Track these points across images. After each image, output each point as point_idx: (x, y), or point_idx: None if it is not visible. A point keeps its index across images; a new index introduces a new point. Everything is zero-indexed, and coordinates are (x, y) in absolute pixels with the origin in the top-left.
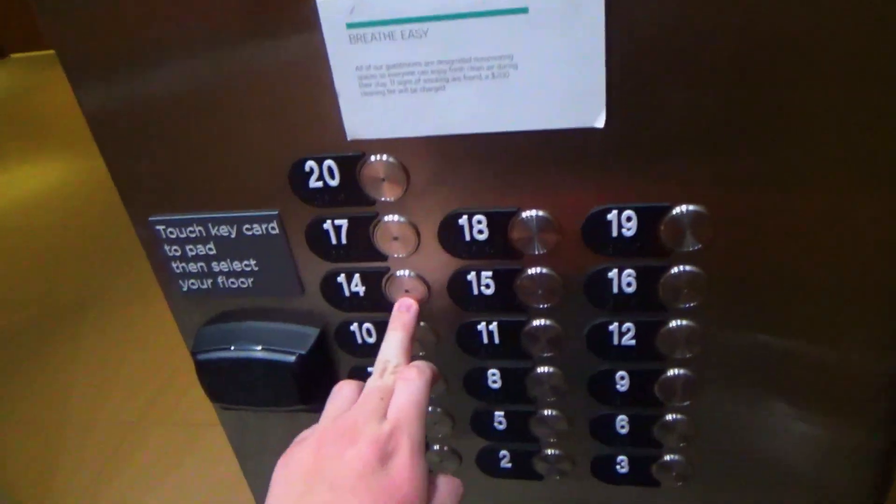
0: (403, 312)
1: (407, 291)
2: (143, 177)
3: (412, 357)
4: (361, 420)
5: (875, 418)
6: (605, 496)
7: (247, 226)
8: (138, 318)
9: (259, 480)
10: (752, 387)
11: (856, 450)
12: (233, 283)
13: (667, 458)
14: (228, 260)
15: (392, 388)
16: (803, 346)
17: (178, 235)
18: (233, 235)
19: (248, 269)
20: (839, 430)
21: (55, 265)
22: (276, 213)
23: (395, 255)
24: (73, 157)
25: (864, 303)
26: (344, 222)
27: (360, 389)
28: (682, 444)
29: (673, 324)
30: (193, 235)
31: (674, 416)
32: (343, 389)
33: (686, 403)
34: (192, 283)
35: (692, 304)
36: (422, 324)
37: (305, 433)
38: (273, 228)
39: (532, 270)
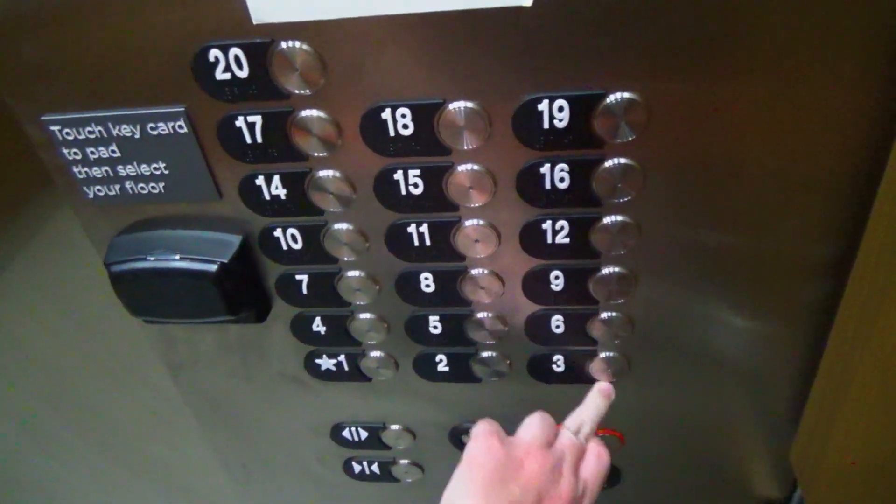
0: (605, 398)
1: (333, 195)
2: (31, 69)
3: None
4: (567, 464)
5: (805, 307)
6: (543, 395)
7: (151, 124)
8: None
9: (195, 395)
10: (687, 282)
11: (786, 339)
12: (143, 188)
13: (602, 355)
14: (135, 163)
15: (584, 449)
16: (738, 238)
17: (76, 137)
18: (137, 136)
19: (157, 172)
20: (771, 320)
21: None
22: (183, 109)
23: (316, 154)
24: None
25: (797, 193)
26: (258, 118)
27: (556, 427)
28: (617, 342)
29: (608, 219)
30: (93, 136)
31: (609, 313)
32: (548, 420)
33: (621, 301)
34: (99, 190)
35: (627, 198)
36: (349, 227)
37: (496, 428)
38: (181, 127)
39: (462, 167)
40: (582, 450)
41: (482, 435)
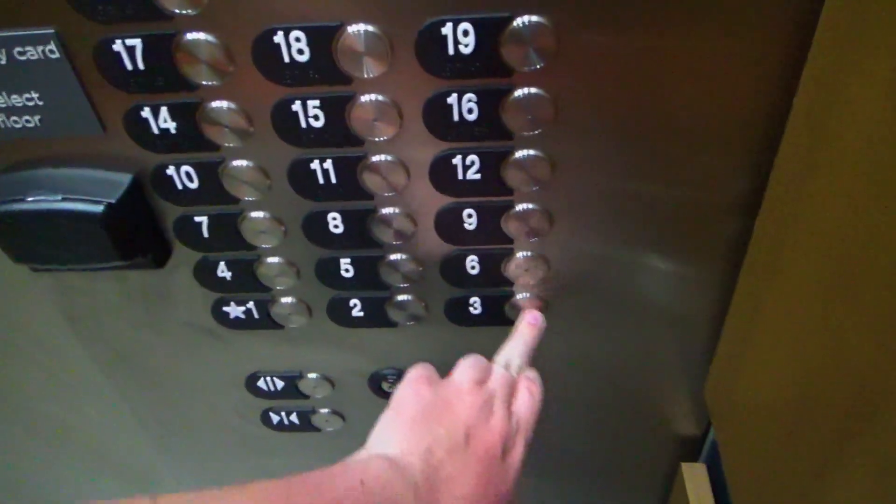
0: (533, 326)
1: (228, 128)
2: None
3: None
4: (499, 401)
5: (719, 246)
6: (462, 339)
7: (18, 48)
8: None
9: (97, 344)
10: (602, 221)
11: (702, 279)
12: (15, 121)
13: (519, 296)
14: (4, 93)
15: (516, 383)
16: (651, 177)
17: None
18: (3, 61)
19: (31, 103)
20: (686, 260)
21: None
22: (53, 31)
23: (206, 83)
24: None
25: (711, 130)
26: (137, 42)
27: (490, 367)
28: (533, 283)
29: (519, 153)
30: None
31: (524, 252)
32: (481, 361)
33: (535, 239)
34: None
35: (538, 131)
36: (248, 164)
37: (430, 373)
38: (52, 51)
39: (365, 97)
40: (514, 384)
41: (410, 380)
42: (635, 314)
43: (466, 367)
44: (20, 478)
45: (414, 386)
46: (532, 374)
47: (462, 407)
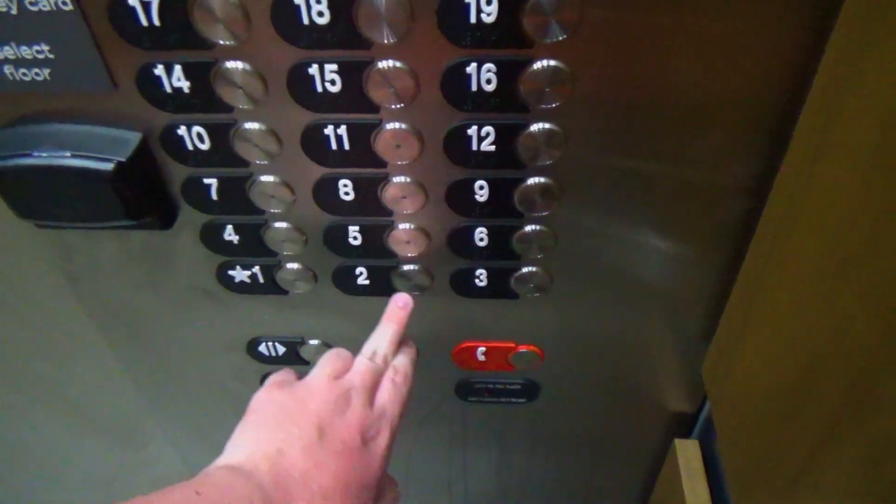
0: (400, 308)
1: (242, 90)
2: None
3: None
4: (356, 392)
5: (725, 228)
6: (465, 310)
7: None
8: None
9: (95, 303)
10: (612, 198)
11: (706, 260)
12: (24, 74)
13: (525, 270)
14: (14, 44)
15: (381, 372)
16: (663, 156)
17: None
18: (13, 11)
19: (41, 56)
20: (693, 241)
21: None
22: None
23: (223, 42)
24: None
25: (723, 111)
26: None
27: (352, 360)
28: (540, 256)
29: (534, 127)
30: None
31: (533, 226)
32: (341, 353)
33: (545, 213)
34: None
35: (554, 104)
36: (261, 126)
37: (288, 377)
38: (65, 3)
39: (382, 63)
40: (379, 374)
41: (265, 386)
42: (637, 292)
43: (324, 362)
44: (4, 433)
45: (267, 391)
46: (401, 360)
47: (315, 402)
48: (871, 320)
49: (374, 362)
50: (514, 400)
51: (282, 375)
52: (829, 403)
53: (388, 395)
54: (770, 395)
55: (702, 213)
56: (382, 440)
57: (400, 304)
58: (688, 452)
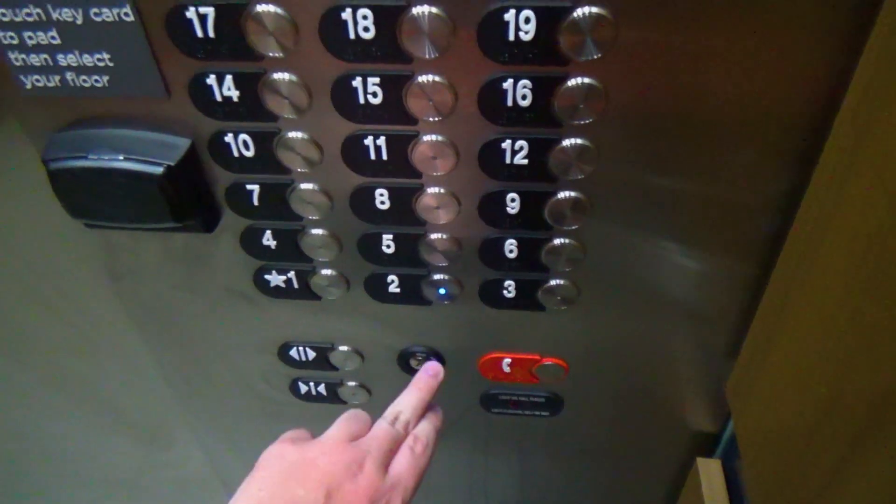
0: (430, 378)
1: (288, 100)
2: None
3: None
4: (371, 458)
5: (753, 245)
6: (492, 321)
7: (95, 9)
8: None
9: (133, 302)
10: (641, 213)
11: (732, 277)
12: (84, 80)
13: (553, 282)
14: (77, 52)
15: (401, 439)
16: (693, 173)
17: (12, 19)
18: (79, 21)
19: (101, 63)
20: (721, 257)
21: None
22: None
23: (272, 54)
24: None
25: (754, 131)
26: (210, 10)
27: (371, 423)
28: (568, 269)
29: (567, 142)
30: (32, 19)
31: (562, 239)
32: (359, 415)
33: (575, 227)
34: (37, 80)
35: (588, 120)
36: (304, 136)
37: (302, 435)
38: (126, 14)
39: (423, 78)
40: (398, 440)
41: (276, 442)
42: (663, 307)
43: (341, 422)
44: (31, 428)
45: (279, 447)
46: (424, 427)
47: (326, 464)
48: None
49: (395, 428)
50: (538, 413)
51: (295, 433)
52: (854, 421)
53: (406, 464)
54: (794, 413)
55: (730, 230)
56: None
57: (430, 373)
58: (710, 471)
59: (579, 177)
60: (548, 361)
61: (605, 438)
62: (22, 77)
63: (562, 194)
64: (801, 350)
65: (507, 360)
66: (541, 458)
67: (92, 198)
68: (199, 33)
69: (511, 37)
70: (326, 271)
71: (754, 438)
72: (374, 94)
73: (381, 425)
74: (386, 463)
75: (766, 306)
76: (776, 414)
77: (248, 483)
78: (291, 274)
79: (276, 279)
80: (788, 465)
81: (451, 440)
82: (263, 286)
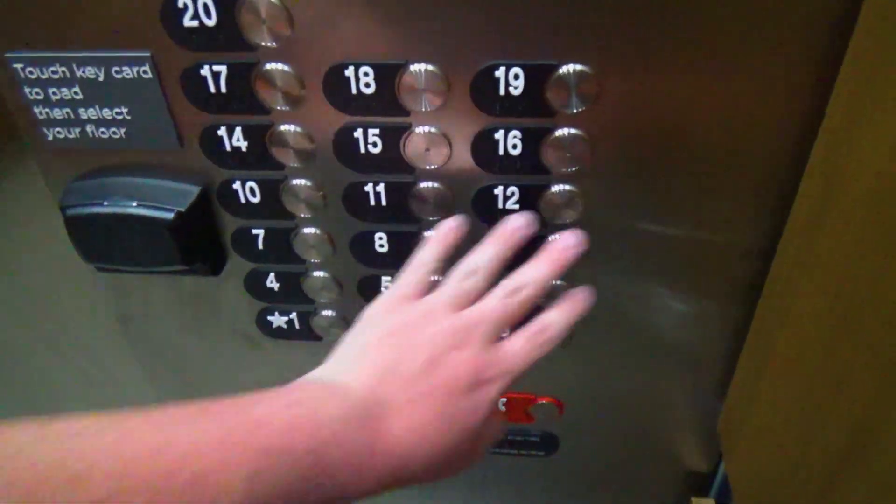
0: (566, 249)
1: (293, 150)
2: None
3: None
4: (478, 334)
5: (736, 287)
6: None
7: (116, 68)
8: None
9: (144, 345)
10: (627, 258)
11: (719, 318)
12: (103, 132)
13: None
14: (97, 106)
15: (517, 317)
16: (677, 219)
17: (38, 76)
18: (101, 78)
19: (119, 117)
20: (706, 300)
21: None
22: (149, 54)
23: (279, 108)
24: None
25: (733, 177)
26: (223, 68)
27: (485, 288)
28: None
29: (556, 188)
30: (57, 77)
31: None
32: (474, 277)
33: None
34: (59, 132)
35: (575, 168)
36: (307, 183)
37: (407, 291)
38: (146, 72)
39: (420, 128)
40: (514, 317)
41: (380, 299)
42: (655, 348)
43: (454, 282)
44: None
45: (384, 304)
46: (554, 318)
47: (431, 329)
48: (868, 371)
49: (512, 301)
50: (533, 452)
51: (400, 289)
52: (832, 451)
53: (519, 349)
54: (779, 449)
55: (714, 272)
56: (490, 391)
57: (569, 242)
58: None
59: (567, 221)
60: (543, 401)
61: (600, 478)
62: (45, 129)
63: (551, 239)
64: (783, 388)
65: (503, 400)
66: (536, 497)
67: (105, 242)
68: (213, 89)
69: (502, 91)
70: (328, 312)
71: (744, 477)
72: (374, 144)
73: (499, 295)
74: (496, 339)
75: (750, 347)
76: (764, 452)
77: (352, 340)
78: (293, 315)
79: (278, 320)
80: (777, 501)
81: (446, 480)
82: (266, 327)
